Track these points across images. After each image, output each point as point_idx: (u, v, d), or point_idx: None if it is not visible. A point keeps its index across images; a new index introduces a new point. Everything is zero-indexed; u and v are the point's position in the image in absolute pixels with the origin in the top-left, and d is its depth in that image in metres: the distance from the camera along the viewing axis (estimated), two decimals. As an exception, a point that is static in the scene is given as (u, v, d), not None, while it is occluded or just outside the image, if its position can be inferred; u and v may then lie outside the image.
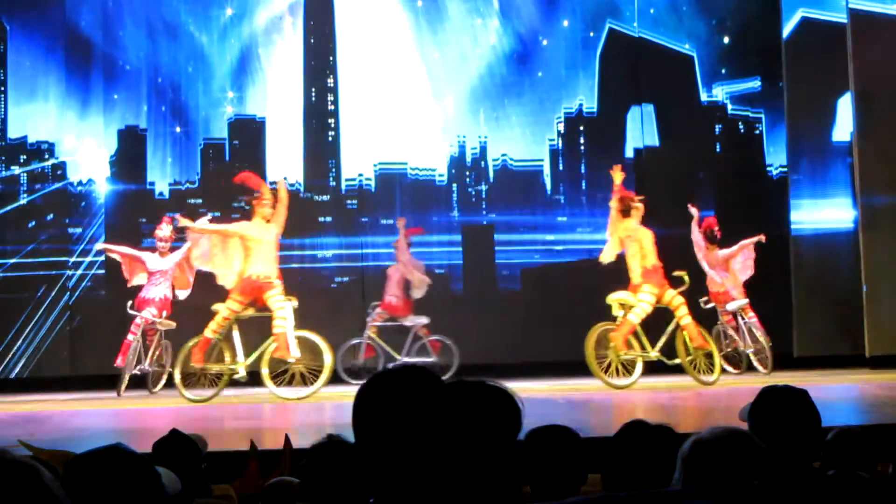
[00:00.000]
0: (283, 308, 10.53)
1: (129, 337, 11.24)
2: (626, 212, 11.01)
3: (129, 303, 11.36)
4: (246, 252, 10.67)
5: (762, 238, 12.08)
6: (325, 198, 13.74)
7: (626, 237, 10.94)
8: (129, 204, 13.46)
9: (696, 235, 11.93)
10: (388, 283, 12.56)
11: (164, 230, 11.50)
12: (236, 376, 10.68)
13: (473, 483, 1.66)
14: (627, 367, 10.81)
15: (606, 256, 11.15)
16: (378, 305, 12.49)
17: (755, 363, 11.68)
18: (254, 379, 12.18)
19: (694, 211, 12.01)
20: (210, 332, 10.62)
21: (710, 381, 10.64)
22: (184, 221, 11.04)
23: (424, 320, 12.41)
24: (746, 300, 11.83)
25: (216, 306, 10.76)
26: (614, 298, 10.86)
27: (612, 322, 10.85)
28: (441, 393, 1.73)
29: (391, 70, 13.89)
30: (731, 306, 11.84)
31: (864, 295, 12.72)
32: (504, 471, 1.68)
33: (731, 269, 12.12)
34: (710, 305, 11.99)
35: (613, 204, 11.15)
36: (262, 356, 10.64)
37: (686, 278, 11.13)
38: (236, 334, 10.80)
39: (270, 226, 10.76)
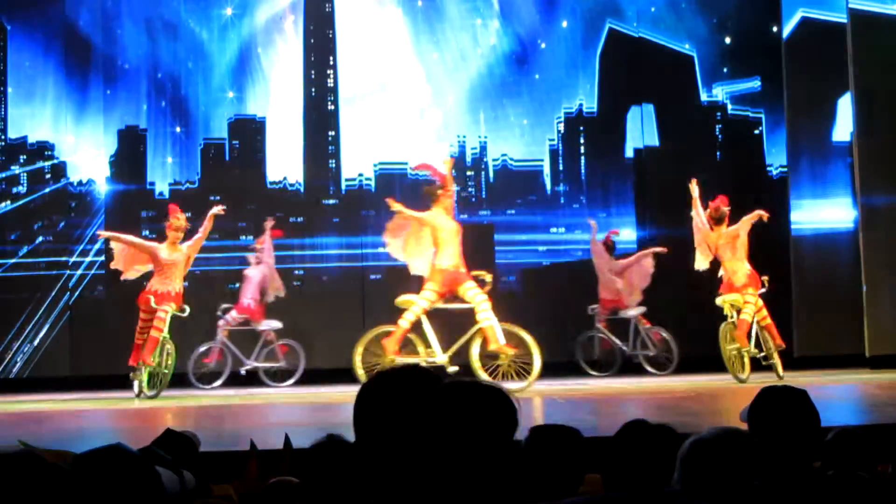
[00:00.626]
0: (484, 300, 10.34)
1: (155, 333, 10.83)
2: (720, 220, 11.25)
3: (151, 297, 10.91)
4: (436, 242, 10.49)
5: (663, 250, 12.61)
6: (333, 202, 13.72)
7: (724, 243, 11.20)
8: (129, 204, 13.46)
9: (598, 246, 12.79)
10: (246, 286, 12.25)
11: (181, 219, 11.11)
12: (451, 370, 10.34)
13: (471, 482, 1.66)
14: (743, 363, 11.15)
15: (701, 264, 11.38)
16: (232, 308, 12.12)
17: (648, 367, 12.40)
18: (252, 379, 12.19)
19: (593, 223, 12.84)
20: (408, 322, 10.39)
21: (782, 375, 10.96)
22: (395, 206, 10.64)
23: (277, 325, 12.21)
24: (643, 308, 12.57)
25: (406, 298, 10.57)
26: (726, 300, 11.16)
27: (730, 322, 11.17)
28: (437, 393, 1.73)
29: (391, 70, 13.90)
30: (628, 313, 12.56)
31: (864, 295, 12.72)
32: (501, 470, 1.68)
33: (629, 277, 12.69)
34: (594, 312, 12.69)
35: (697, 214, 11.33)
36: (467, 348, 10.40)
37: (766, 282, 11.32)
38: (427, 325, 10.53)
39: (450, 216, 10.61)
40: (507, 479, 1.70)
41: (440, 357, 10.42)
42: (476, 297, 10.35)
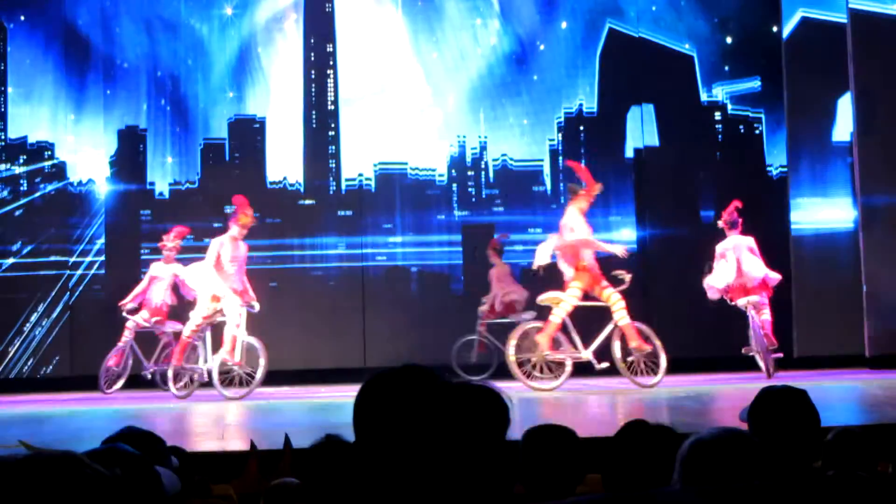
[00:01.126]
0: (619, 299, 10.48)
1: (233, 331, 10.64)
2: (733, 224, 11.52)
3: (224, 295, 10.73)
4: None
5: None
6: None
7: (739, 247, 11.41)
8: (129, 204, 13.47)
9: (496, 256, 12.83)
10: (158, 285, 11.81)
11: (249, 215, 10.89)
12: (600, 366, 10.51)
13: (463, 481, 1.66)
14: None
15: (728, 277, 11.49)
16: (141, 308, 11.71)
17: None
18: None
19: (495, 243, 12.94)
20: (559, 318, 10.48)
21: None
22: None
23: (180, 326, 11.72)
24: (534, 313, 12.35)
25: (552, 295, 10.60)
26: (750, 301, 11.29)
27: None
28: (427, 394, 1.73)
29: (391, 70, 13.90)
30: (522, 317, 12.33)
31: (864, 295, 12.72)
32: (494, 469, 1.68)
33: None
34: (480, 315, 12.66)
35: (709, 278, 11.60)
36: (608, 344, 10.54)
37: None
38: (569, 322, 10.62)
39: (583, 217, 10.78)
40: (501, 477, 1.69)
41: (585, 353, 10.59)
42: (612, 297, 10.52)
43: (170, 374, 10.81)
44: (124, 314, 11.59)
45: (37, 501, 1.39)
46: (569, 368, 10.54)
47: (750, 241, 11.55)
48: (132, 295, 11.66)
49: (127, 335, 11.51)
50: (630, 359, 10.49)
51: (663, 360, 10.51)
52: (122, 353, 11.50)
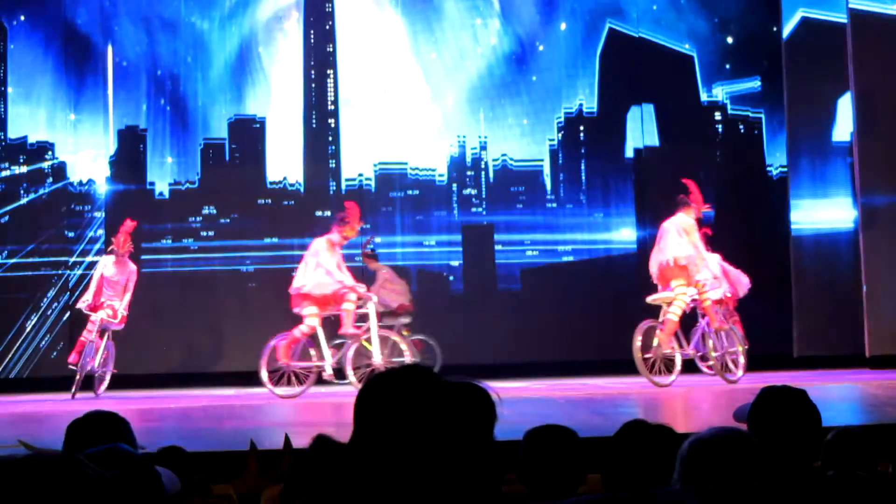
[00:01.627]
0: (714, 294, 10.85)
1: (355, 331, 10.66)
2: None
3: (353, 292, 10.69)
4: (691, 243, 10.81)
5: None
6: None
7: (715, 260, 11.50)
8: (129, 204, 13.46)
9: (373, 261, 12.55)
10: (110, 284, 11.53)
11: (356, 229, 10.80)
12: (706, 365, 10.81)
13: (455, 478, 1.66)
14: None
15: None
16: (102, 307, 11.39)
17: None
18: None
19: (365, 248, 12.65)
20: (676, 316, 10.60)
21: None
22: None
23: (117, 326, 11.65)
24: (409, 319, 12.28)
25: (662, 295, 10.67)
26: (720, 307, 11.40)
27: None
28: (425, 392, 1.73)
29: (391, 70, 13.90)
30: (401, 321, 12.20)
31: (864, 295, 12.72)
32: (484, 465, 1.68)
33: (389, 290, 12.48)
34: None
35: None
36: (706, 341, 10.78)
37: None
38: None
39: None
40: (490, 474, 1.69)
41: (690, 350, 10.83)
42: (710, 293, 10.83)
43: (263, 375, 10.47)
44: (85, 311, 11.36)
45: (36, 501, 1.39)
46: (679, 364, 10.67)
47: (717, 256, 11.45)
48: (92, 295, 11.39)
49: (91, 328, 11.27)
50: (715, 354, 10.71)
51: (742, 358, 10.76)
52: (85, 350, 11.28)
